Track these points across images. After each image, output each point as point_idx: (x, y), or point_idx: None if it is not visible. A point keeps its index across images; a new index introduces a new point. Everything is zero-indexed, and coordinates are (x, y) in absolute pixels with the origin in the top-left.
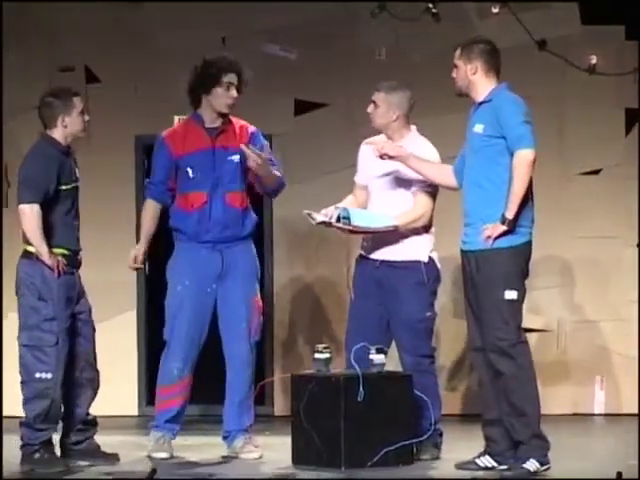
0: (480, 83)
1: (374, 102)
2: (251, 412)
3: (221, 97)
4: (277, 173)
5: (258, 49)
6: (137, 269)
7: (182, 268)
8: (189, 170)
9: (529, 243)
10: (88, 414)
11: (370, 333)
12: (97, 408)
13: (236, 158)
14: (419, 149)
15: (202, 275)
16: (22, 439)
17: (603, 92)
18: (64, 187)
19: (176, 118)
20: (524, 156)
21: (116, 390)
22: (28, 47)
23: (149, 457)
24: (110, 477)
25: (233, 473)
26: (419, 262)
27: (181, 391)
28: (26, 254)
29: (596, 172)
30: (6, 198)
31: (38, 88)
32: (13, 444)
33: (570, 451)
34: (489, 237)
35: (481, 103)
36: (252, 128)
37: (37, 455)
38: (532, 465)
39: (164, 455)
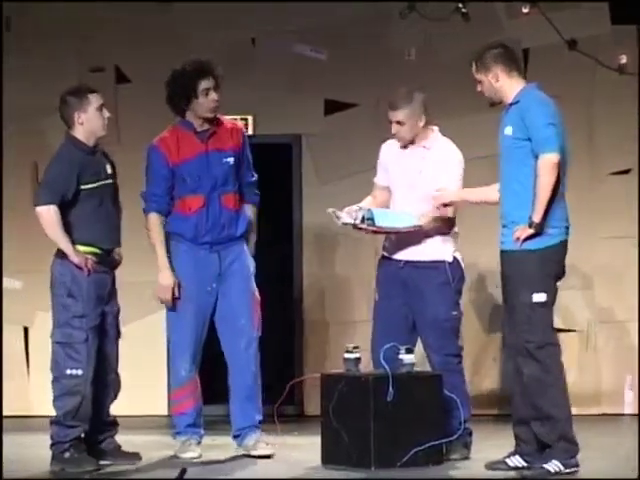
0: (507, 87)
1: (398, 122)
2: (260, 409)
3: (202, 104)
4: (253, 209)
5: (288, 49)
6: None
7: (182, 269)
8: (185, 176)
9: (562, 244)
10: (108, 415)
11: (396, 333)
12: (126, 407)
13: (230, 160)
14: (442, 150)
15: (202, 275)
16: (52, 438)
17: (633, 92)
18: (85, 187)
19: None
20: (547, 160)
21: (145, 390)
22: (58, 48)
23: (176, 457)
24: (139, 477)
25: (261, 473)
26: (443, 262)
27: (192, 392)
28: (58, 253)
29: (626, 172)
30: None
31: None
32: (43, 443)
33: (598, 451)
34: (518, 239)
35: (511, 105)
36: (243, 129)
37: (67, 454)
38: (553, 466)
39: (192, 455)
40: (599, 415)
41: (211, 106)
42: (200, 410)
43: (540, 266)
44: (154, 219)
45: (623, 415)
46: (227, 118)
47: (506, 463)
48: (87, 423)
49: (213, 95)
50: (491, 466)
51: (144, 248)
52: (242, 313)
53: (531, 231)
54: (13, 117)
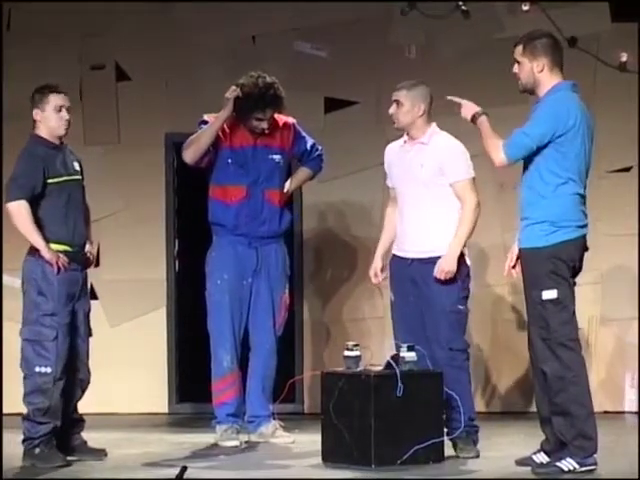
0: (545, 80)
1: (397, 101)
2: (271, 399)
3: (251, 124)
4: (308, 171)
5: (289, 47)
6: None
7: (221, 262)
8: (229, 163)
9: (573, 241)
10: (74, 412)
11: (417, 330)
12: (128, 406)
13: (277, 157)
14: (441, 143)
15: (240, 269)
16: (24, 434)
17: (634, 89)
18: (52, 180)
19: (206, 116)
20: (499, 158)
21: (147, 388)
22: (59, 46)
23: (217, 446)
24: (141, 475)
25: (261, 471)
26: None
27: (234, 383)
28: (30, 250)
29: (627, 169)
30: None
31: (69, 86)
32: (17, 440)
33: (600, 449)
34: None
35: (540, 100)
36: (292, 123)
37: (37, 450)
38: (567, 464)
39: (234, 443)
40: (600, 413)
41: (257, 128)
42: (241, 401)
43: (548, 262)
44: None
45: (624, 413)
46: (283, 116)
47: (532, 459)
48: (58, 419)
49: (264, 124)
50: (520, 462)
51: (146, 246)
52: (271, 312)
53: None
54: (14, 116)
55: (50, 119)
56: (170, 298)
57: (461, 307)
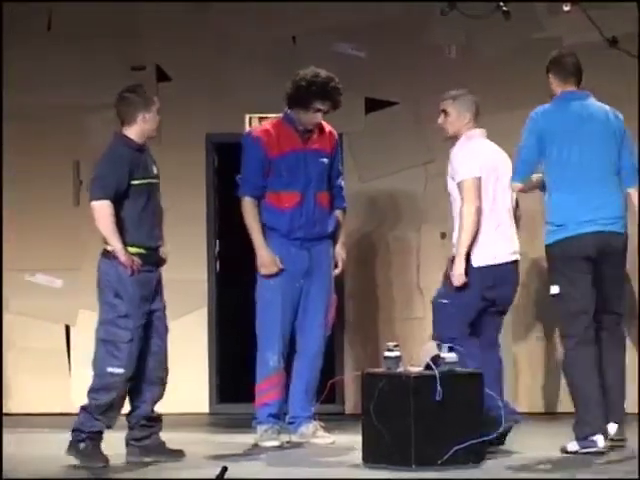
0: (555, 92)
1: (444, 111)
2: (314, 402)
3: (304, 117)
4: (342, 213)
5: (328, 48)
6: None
7: None
8: (282, 170)
9: (574, 238)
10: (153, 411)
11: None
12: (168, 406)
13: (326, 161)
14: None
15: (292, 271)
16: (76, 423)
17: None
18: (136, 182)
19: (247, 116)
20: (512, 181)
21: (187, 388)
22: (99, 47)
23: (257, 446)
24: (182, 475)
25: (302, 472)
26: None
27: (279, 383)
28: (104, 252)
29: None
30: (77, 196)
31: (110, 87)
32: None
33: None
34: None
35: None
36: (336, 136)
37: (82, 445)
38: (571, 446)
39: (274, 443)
40: None
41: (310, 123)
42: (283, 402)
43: (552, 259)
44: (248, 202)
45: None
46: (328, 125)
47: None
48: (113, 421)
49: (319, 117)
50: None
51: (188, 247)
52: (321, 312)
53: None
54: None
55: (152, 121)
56: (211, 298)
57: (443, 300)
